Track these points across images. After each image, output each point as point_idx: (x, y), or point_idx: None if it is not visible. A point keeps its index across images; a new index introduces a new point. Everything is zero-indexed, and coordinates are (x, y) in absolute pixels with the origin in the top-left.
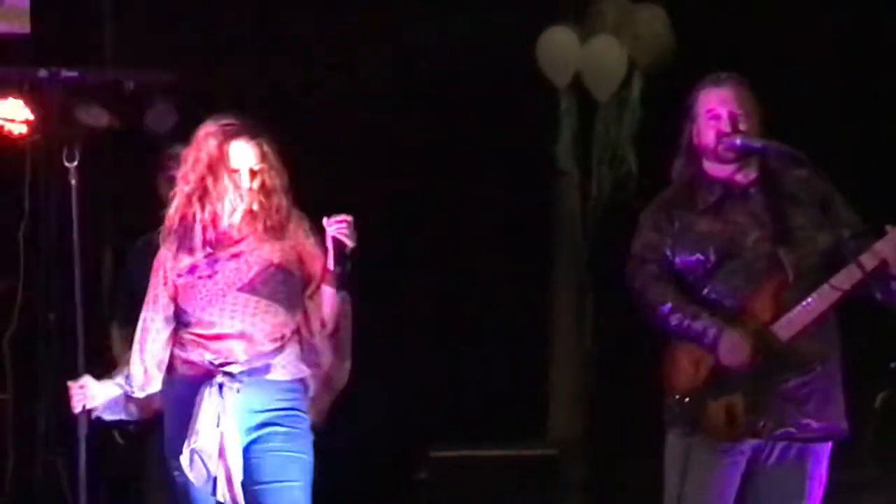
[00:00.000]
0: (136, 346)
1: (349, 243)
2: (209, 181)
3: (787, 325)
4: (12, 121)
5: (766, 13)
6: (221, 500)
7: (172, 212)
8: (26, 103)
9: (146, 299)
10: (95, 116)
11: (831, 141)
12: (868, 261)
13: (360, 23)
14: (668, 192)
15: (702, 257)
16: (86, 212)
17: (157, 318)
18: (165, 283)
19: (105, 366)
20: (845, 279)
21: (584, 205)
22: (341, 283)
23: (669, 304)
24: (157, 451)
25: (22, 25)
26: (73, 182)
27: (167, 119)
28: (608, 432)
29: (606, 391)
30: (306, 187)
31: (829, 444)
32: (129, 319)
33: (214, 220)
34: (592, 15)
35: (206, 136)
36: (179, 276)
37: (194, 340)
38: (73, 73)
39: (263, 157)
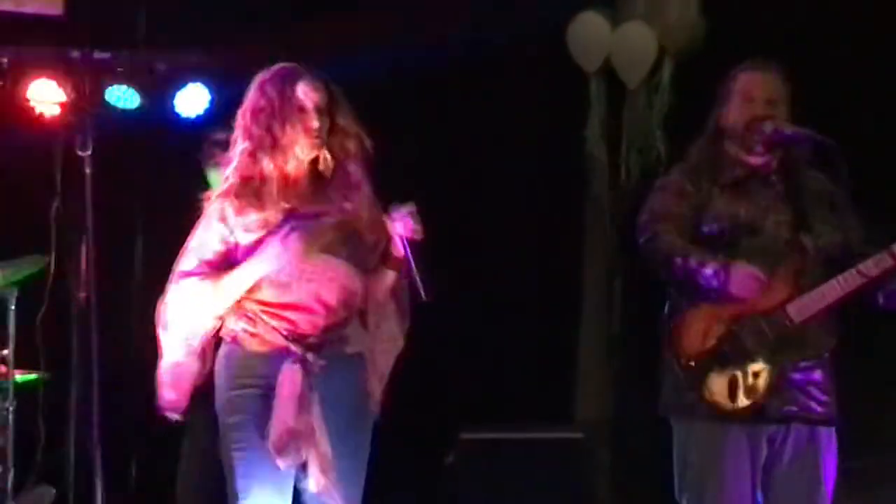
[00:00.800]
0: (179, 299)
1: (419, 237)
2: (276, 128)
3: (803, 308)
4: (44, 102)
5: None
6: (315, 489)
7: (231, 172)
8: (59, 84)
9: (186, 250)
10: None
11: (861, 130)
12: (869, 268)
13: (390, 8)
14: (688, 163)
15: (719, 232)
16: (116, 196)
17: (201, 270)
18: (217, 235)
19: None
20: (874, 266)
21: (613, 189)
22: (426, 290)
23: (679, 255)
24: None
25: (55, 6)
26: (88, 171)
27: None
28: (634, 416)
29: (633, 375)
30: None
31: (834, 431)
32: None
33: (284, 172)
34: (623, 0)
35: (264, 83)
36: (247, 230)
37: (265, 311)
38: (105, 55)
39: (332, 97)
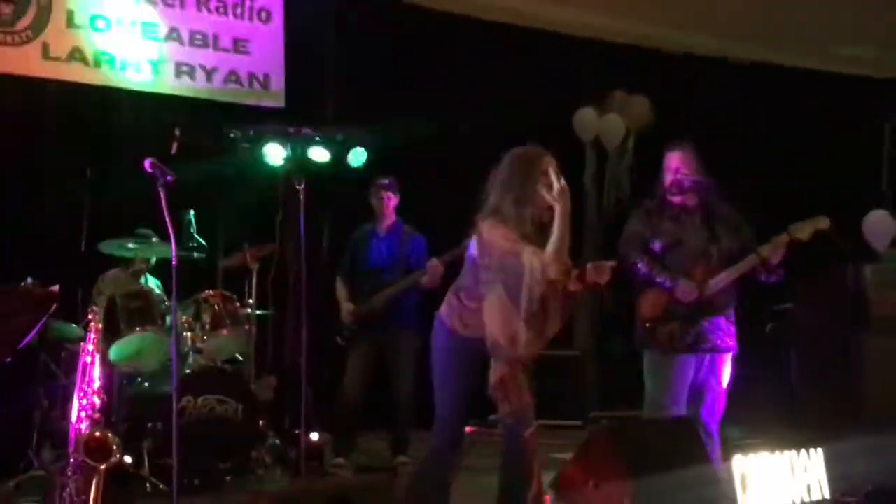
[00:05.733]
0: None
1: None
2: None
3: (714, 284)
4: (274, 156)
5: (717, 108)
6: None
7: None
8: (282, 146)
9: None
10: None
11: (745, 178)
12: (764, 251)
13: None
14: (647, 206)
15: (664, 243)
16: (315, 210)
17: None
18: None
19: (322, 298)
20: (750, 261)
21: (600, 213)
22: None
23: (644, 263)
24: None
25: (279, 102)
26: (301, 197)
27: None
28: (615, 342)
29: (613, 316)
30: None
31: (730, 354)
32: (347, 275)
33: None
34: (606, 101)
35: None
36: None
37: None
38: (309, 130)
39: None
